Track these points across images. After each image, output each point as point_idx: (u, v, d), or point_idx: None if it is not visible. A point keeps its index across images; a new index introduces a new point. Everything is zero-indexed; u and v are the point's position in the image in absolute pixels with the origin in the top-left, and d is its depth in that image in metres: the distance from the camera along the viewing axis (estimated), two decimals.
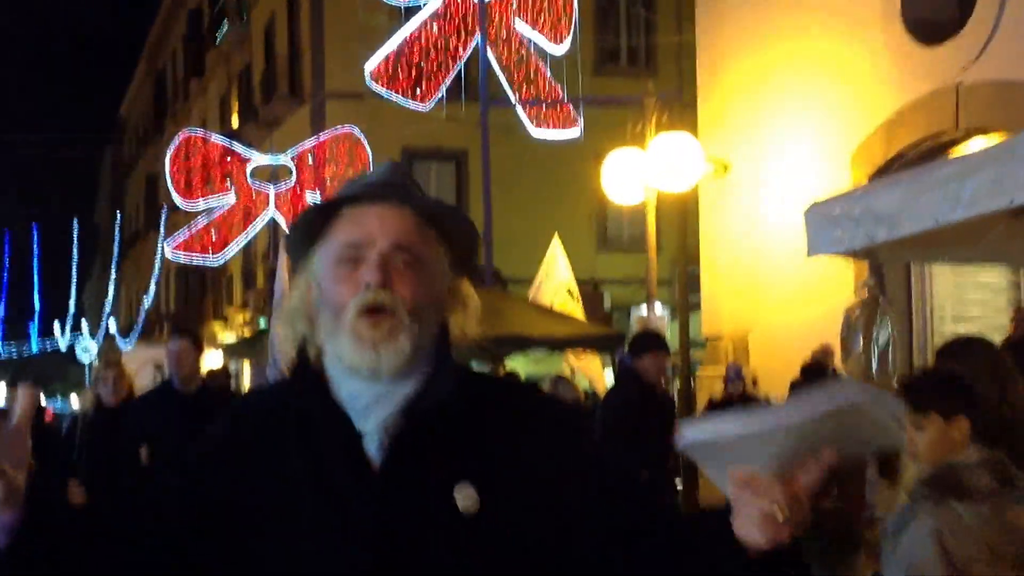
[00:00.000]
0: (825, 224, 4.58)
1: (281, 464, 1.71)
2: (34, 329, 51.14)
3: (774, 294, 9.97)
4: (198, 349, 6.58)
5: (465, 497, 1.64)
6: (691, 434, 1.50)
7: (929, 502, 3.03)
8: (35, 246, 45.35)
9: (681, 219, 13.51)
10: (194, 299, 35.88)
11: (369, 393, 1.70)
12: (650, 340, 7.25)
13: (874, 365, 5.39)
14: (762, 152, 10.11)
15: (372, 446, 1.68)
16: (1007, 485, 3.04)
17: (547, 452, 1.70)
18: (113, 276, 42.21)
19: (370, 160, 19.58)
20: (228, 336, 28.41)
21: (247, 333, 25.35)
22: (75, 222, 40.81)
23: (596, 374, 12.30)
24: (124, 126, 53.77)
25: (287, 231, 1.85)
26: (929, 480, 3.09)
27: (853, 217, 4.37)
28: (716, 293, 10.95)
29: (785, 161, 9.83)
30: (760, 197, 10.15)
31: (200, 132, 21.80)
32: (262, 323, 23.13)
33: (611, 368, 11.54)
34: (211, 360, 22.43)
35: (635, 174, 10.88)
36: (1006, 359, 3.59)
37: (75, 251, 43.96)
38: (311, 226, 1.78)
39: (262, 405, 1.85)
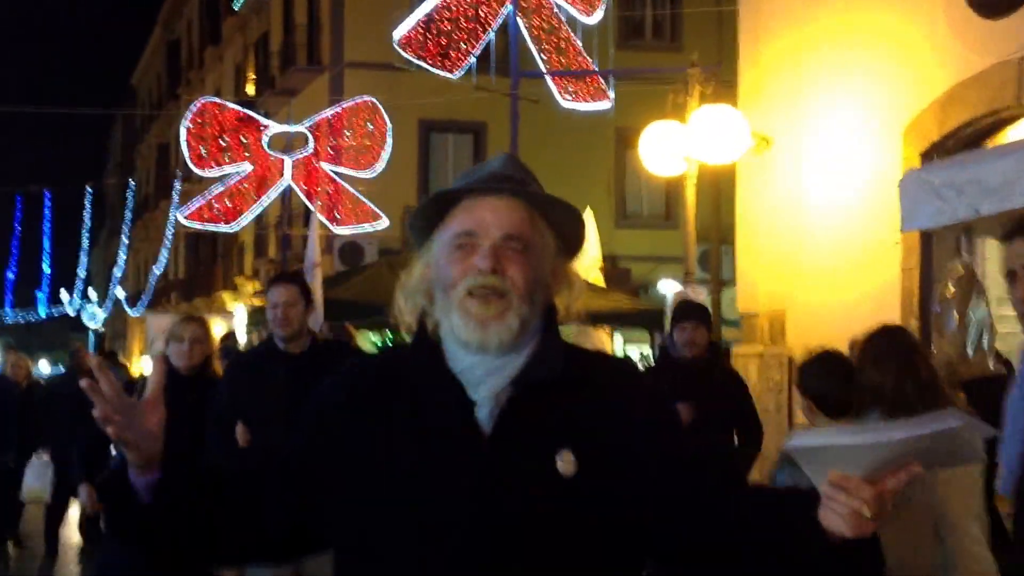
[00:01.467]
0: (924, 194, 4.35)
1: (396, 425, 1.87)
2: (42, 295, 51.15)
3: (814, 272, 9.76)
4: (307, 301, 5.39)
5: (565, 461, 1.80)
6: (801, 440, 1.71)
7: (790, 466, 3.22)
8: (47, 211, 45.30)
9: (715, 195, 13.32)
10: (205, 268, 35.74)
11: (483, 366, 1.88)
12: (676, 313, 7.03)
13: (969, 344, 5.19)
14: (805, 126, 9.87)
15: (483, 413, 1.86)
16: None
17: (636, 422, 1.88)
18: (124, 243, 42.15)
19: (388, 131, 19.33)
20: (238, 305, 28.25)
21: (257, 303, 25.17)
22: (88, 189, 40.68)
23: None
24: (136, 94, 53.54)
25: (410, 216, 2.02)
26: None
27: (957, 187, 4.13)
28: (752, 270, 10.73)
29: (830, 136, 9.59)
30: (802, 173, 9.92)
31: (217, 100, 21.54)
32: None
33: (647, 345, 11.38)
34: (218, 330, 22.30)
35: (672, 147, 10.66)
36: (914, 343, 3.93)
37: (87, 218, 43.88)
38: (430, 213, 1.96)
39: (381, 368, 2.01)
